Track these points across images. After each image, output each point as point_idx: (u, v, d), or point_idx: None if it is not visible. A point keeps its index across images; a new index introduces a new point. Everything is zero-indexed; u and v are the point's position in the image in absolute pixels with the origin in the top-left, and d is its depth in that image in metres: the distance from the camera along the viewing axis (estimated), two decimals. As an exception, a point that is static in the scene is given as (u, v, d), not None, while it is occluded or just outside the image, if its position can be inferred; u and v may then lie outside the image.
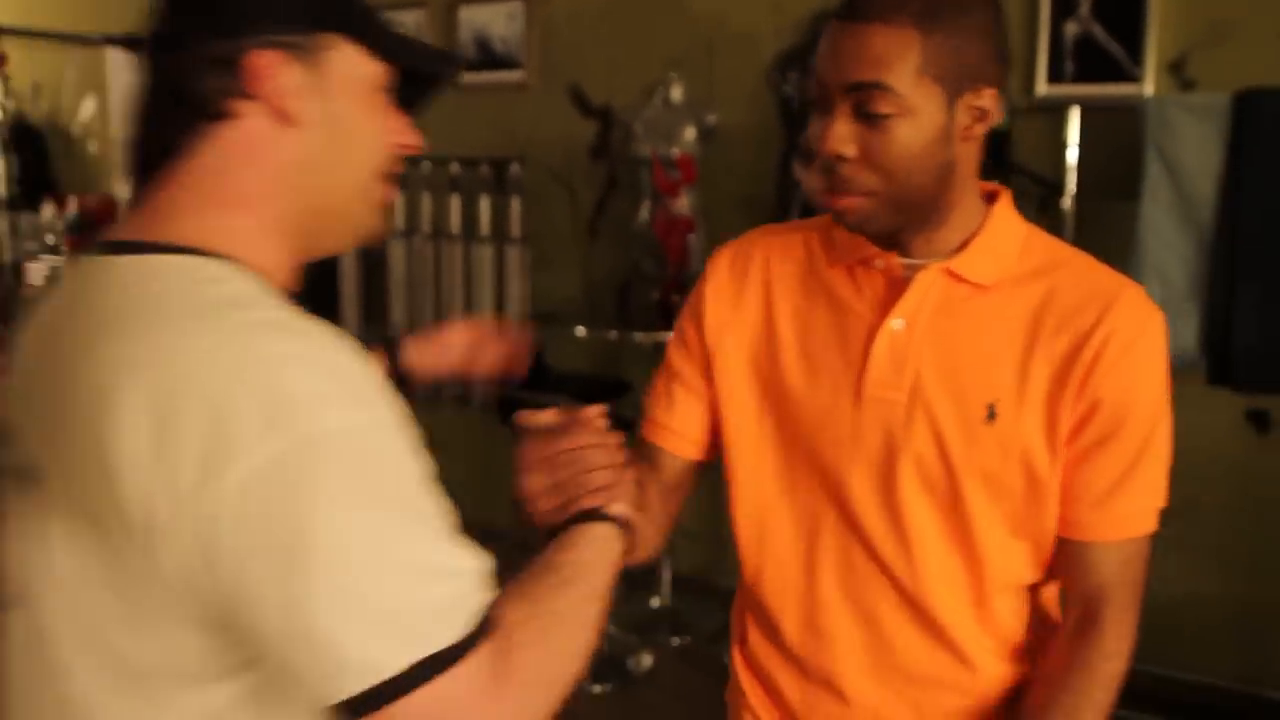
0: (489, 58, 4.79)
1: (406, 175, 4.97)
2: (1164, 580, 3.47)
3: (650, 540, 1.38)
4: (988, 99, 1.20)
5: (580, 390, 1.42)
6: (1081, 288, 1.25)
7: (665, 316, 3.86)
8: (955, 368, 1.25)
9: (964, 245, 1.27)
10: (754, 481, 1.37)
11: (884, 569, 1.30)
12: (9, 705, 0.99)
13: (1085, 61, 3.56)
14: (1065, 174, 3.52)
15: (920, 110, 1.16)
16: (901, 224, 1.24)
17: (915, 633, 1.30)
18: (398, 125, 1.07)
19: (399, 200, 5.01)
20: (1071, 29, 3.57)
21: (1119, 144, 3.42)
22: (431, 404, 1.45)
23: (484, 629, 0.91)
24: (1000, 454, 1.24)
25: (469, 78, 4.85)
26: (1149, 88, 3.46)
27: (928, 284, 1.27)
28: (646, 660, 3.81)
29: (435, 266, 4.83)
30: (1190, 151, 3.21)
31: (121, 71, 6.38)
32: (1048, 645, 1.32)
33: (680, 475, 1.43)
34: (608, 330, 3.99)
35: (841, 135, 1.18)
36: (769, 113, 3.98)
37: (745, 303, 1.37)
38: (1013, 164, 3.61)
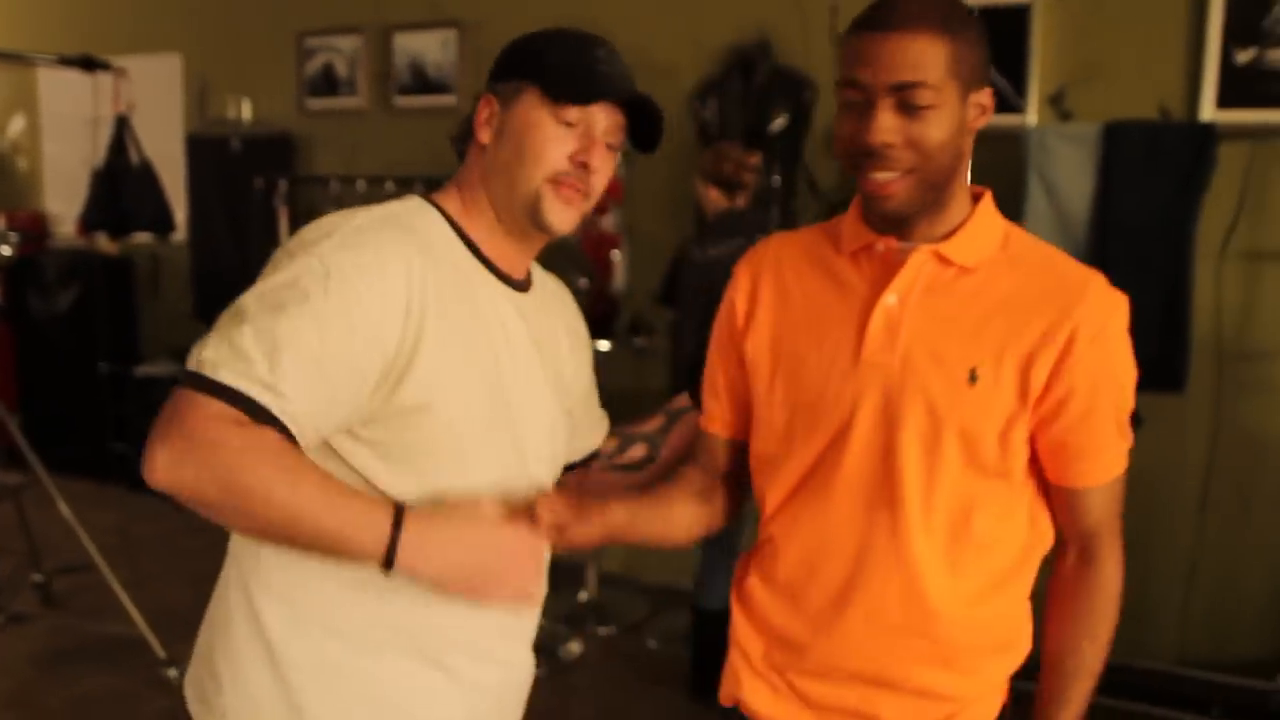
0: (423, 83, 5.03)
1: (341, 194, 5.18)
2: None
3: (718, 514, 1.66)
4: (986, 97, 1.44)
5: None
6: (1054, 275, 1.42)
7: (594, 325, 4.10)
8: (942, 337, 1.41)
9: (953, 232, 1.44)
10: (763, 437, 1.56)
11: (872, 517, 1.43)
12: None
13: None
14: (958, 195, 3.84)
15: (948, 103, 1.36)
16: (923, 204, 1.41)
17: (895, 575, 1.44)
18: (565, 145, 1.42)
19: (335, 217, 5.21)
20: (963, 64, 3.91)
21: (1006, 167, 3.73)
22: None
23: (249, 408, 1.22)
24: (980, 413, 1.39)
25: (404, 101, 5.09)
26: (1031, 118, 3.81)
27: (919, 264, 1.43)
28: (575, 648, 4.06)
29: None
30: (1067, 174, 3.55)
31: (51, 90, 6.50)
32: (1051, 588, 1.54)
33: (728, 455, 1.66)
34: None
35: (888, 127, 1.35)
36: (688, 137, 4.26)
37: (764, 294, 1.57)
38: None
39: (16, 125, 6.76)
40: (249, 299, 1.28)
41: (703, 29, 4.34)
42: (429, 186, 4.98)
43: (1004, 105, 3.84)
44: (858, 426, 1.43)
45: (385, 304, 1.29)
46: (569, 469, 1.68)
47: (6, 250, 4.41)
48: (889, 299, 1.43)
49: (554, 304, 1.62)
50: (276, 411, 1.23)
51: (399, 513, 1.28)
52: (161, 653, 3.67)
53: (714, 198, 3.67)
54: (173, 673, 3.61)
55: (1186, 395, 3.48)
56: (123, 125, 4.83)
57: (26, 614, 4.20)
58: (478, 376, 1.39)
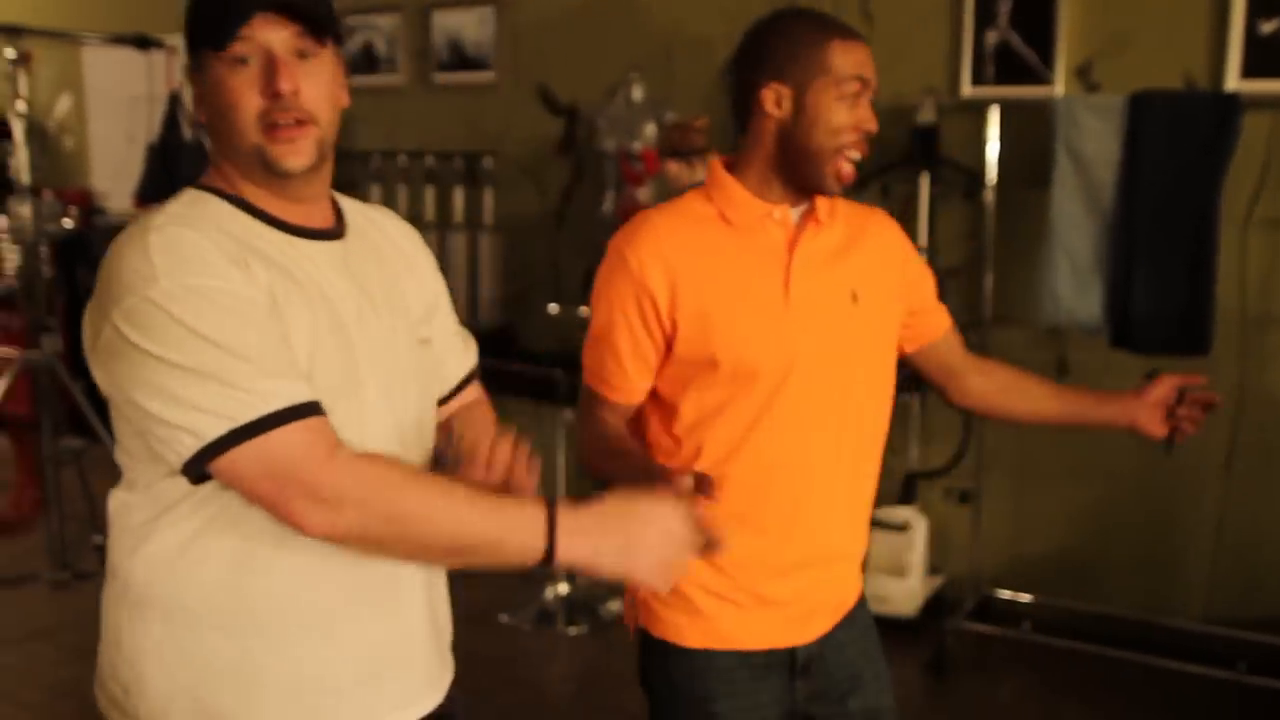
0: (461, 59, 5.14)
1: (384, 168, 5.31)
2: (1083, 513, 3.91)
3: None
4: None
5: None
6: (862, 215, 1.83)
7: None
8: (831, 272, 1.72)
9: (810, 201, 1.74)
10: (704, 394, 1.71)
11: (820, 435, 1.72)
12: None
13: (1004, 66, 3.98)
14: (986, 166, 3.93)
15: None
16: None
17: (840, 475, 1.77)
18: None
19: (377, 192, 5.35)
20: (992, 37, 3.99)
21: (1033, 139, 3.84)
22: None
23: (298, 414, 1.25)
24: (864, 326, 1.74)
25: (443, 78, 5.20)
26: (1059, 89, 3.89)
27: (806, 224, 1.73)
28: (615, 606, 4.20)
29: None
30: (1094, 145, 3.63)
31: (96, 70, 6.64)
32: (984, 389, 1.99)
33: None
34: (577, 307, 4.34)
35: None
36: (722, 111, 4.33)
37: (681, 274, 1.67)
38: (940, 157, 4.02)
39: (63, 105, 6.91)
40: (173, 380, 1.25)
41: (737, 2, 4.43)
42: (467, 160, 5.15)
43: (1032, 77, 3.92)
44: (799, 363, 1.68)
45: (248, 291, 1.29)
46: (444, 401, 1.63)
47: (68, 223, 4.57)
48: (799, 251, 1.70)
49: (377, 236, 1.54)
50: (310, 398, 1.29)
51: (551, 507, 1.29)
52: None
53: (675, 172, 3.73)
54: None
55: (1212, 359, 3.56)
56: (175, 102, 4.98)
57: (90, 572, 4.39)
58: (310, 342, 1.35)
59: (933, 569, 4.23)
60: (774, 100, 1.66)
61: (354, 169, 5.44)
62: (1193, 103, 3.54)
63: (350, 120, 6.26)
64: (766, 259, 1.69)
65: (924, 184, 4.07)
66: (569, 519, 1.29)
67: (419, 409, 1.51)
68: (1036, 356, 4.02)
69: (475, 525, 1.28)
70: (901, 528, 4.09)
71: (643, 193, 4.34)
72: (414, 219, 5.27)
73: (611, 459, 1.71)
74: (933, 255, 4.09)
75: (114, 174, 6.58)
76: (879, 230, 1.83)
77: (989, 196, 3.95)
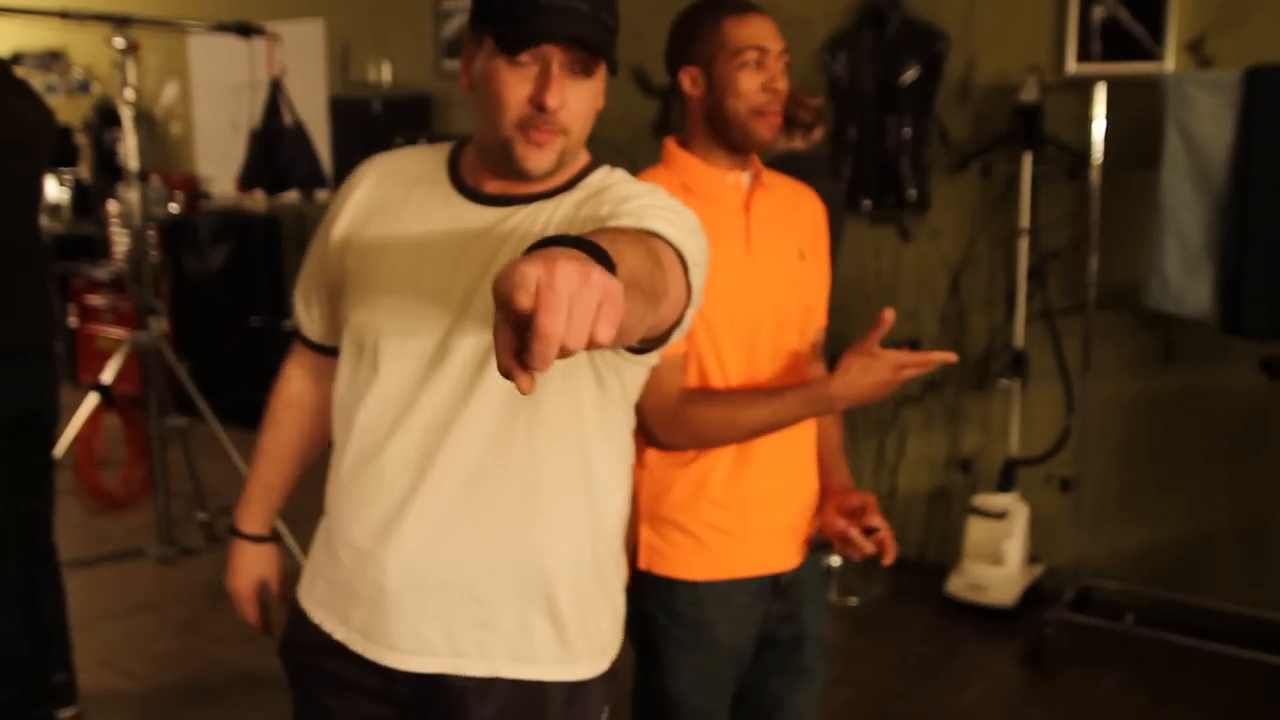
0: (557, 42, 5.14)
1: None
2: (1188, 503, 3.81)
3: None
4: None
5: None
6: (796, 188, 1.98)
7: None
8: (781, 230, 1.90)
9: (753, 166, 1.92)
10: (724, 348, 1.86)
11: (777, 371, 1.89)
12: None
13: (1111, 41, 3.87)
14: (1092, 145, 3.83)
15: None
16: None
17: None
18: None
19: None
20: (1098, 12, 3.89)
21: (1141, 117, 3.74)
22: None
23: None
24: (810, 282, 1.94)
25: (538, 61, 5.21)
26: (1169, 65, 3.77)
27: (756, 188, 1.89)
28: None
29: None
30: (1206, 123, 3.51)
31: (202, 58, 6.80)
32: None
33: None
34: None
35: None
36: (820, 89, 4.30)
37: None
38: (1044, 136, 3.92)
39: (170, 92, 7.08)
40: None
41: (834, -17, 4.37)
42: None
43: (1140, 53, 3.81)
44: (764, 312, 1.85)
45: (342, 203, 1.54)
46: None
47: (174, 207, 4.68)
48: (755, 212, 1.87)
49: (547, 212, 1.47)
50: None
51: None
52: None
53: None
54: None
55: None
56: (276, 88, 5.06)
57: (195, 548, 4.50)
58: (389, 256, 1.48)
59: (1032, 558, 4.15)
60: (690, 82, 1.85)
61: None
62: (1312, 78, 3.40)
63: (446, 103, 6.35)
64: (727, 218, 1.84)
65: (1026, 164, 3.97)
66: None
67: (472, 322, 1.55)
68: (1142, 341, 3.92)
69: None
70: (1000, 515, 4.02)
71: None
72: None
73: (724, 401, 1.84)
74: (1035, 237, 4.00)
75: (218, 159, 6.73)
76: (812, 205, 1.99)
77: (1095, 177, 3.84)
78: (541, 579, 1.47)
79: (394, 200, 1.52)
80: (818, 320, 2.00)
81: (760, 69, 1.81)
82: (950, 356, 1.72)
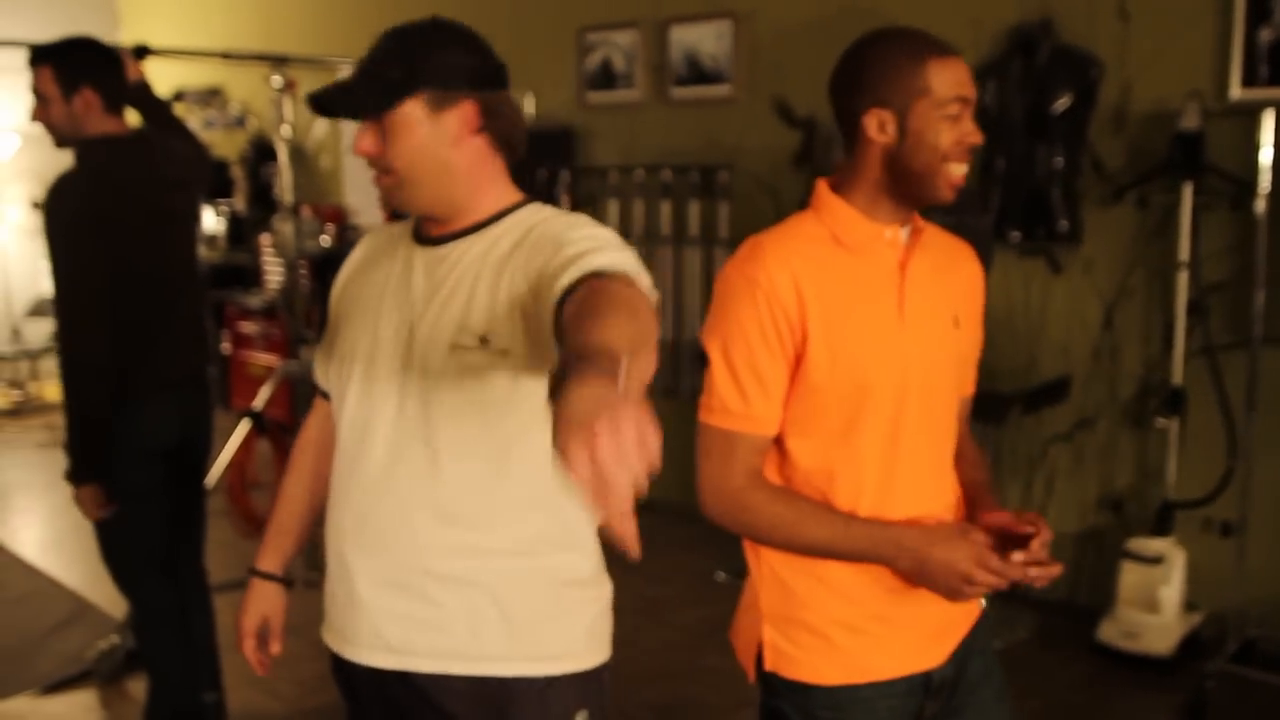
0: (698, 73, 5.16)
1: (621, 183, 5.37)
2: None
3: None
4: None
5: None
6: (953, 243, 1.83)
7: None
8: (937, 293, 1.74)
9: (914, 221, 1.75)
10: (824, 420, 1.70)
11: (919, 446, 1.74)
12: None
13: (1279, 66, 3.69)
14: (1258, 174, 3.65)
15: None
16: None
17: (947, 483, 1.82)
18: None
19: (614, 206, 5.42)
20: (1265, 34, 3.71)
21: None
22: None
23: None
24: (964, 351, 1.81)
25: (680, 92, 5.24)
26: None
27: (915, 244, 1.74)
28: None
29: (647, 267, 5.20)
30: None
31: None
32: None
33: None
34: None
35: None
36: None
37: (809, 296, 1.65)
38: (1205, 164, 3.76)
39: (320, 126, 7.31)
40: None
41: (983, 9, 4.28)
42: (703, 174, 5.17)
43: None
44: (912, 383, 1.69)
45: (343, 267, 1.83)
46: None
47: (325, 240, 4.80)
48: (911, 268, 1.71)
49: (484, 246, 1.62)
50: None
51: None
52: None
53: None
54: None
55: None
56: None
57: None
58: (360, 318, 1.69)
59: (1190, 606, 3.95)
60: (877, 126, 1.66)
61: (593, 183, 5.54)
62: None
63: (588, 135, 6.44)
64: (880, 278, 1.70)
65: (1186, 194, 3.81)
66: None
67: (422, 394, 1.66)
68: (1313, 380, 3.72)
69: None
70: (1156, 560, 3.85)
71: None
72: (650, 233, 5.38)
73: (790, 503, 1.69)
74: (1195, 270, 3.84)
75: (365, 189, 6.91)
76: (968, 262, 1.85)
77: (1260, 207, 3.66)
78: (490, 580, 1.62)
79: (371, 256, 1.76)
80: (966, 389, 1.87)
81: (960, 121, 1.64)
82: (1055, 571, 1.61)
